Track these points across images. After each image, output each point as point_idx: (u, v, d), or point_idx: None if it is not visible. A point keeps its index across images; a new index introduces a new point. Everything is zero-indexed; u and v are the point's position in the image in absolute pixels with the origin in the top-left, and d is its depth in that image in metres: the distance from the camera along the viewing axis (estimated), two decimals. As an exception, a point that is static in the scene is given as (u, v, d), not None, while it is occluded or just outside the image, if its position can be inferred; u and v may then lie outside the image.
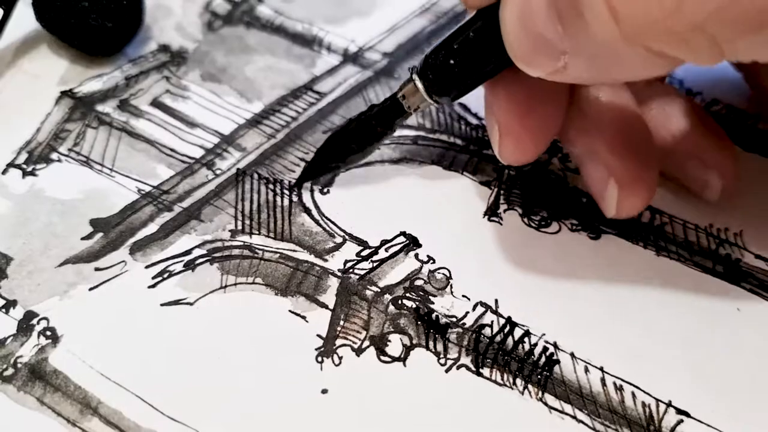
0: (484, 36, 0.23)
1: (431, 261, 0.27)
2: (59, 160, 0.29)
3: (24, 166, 0.29)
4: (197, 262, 0.26)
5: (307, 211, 0.28)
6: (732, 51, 0.19)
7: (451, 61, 0.23)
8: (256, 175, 0.29)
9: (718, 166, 0.28)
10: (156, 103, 0.31)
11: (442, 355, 0.24)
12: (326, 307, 0.25)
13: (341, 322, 0.25)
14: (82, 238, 0.26)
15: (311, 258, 0.26)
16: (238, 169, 0.29)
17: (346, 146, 0.28)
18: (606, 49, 0.20)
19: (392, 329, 0.25)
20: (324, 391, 0.23)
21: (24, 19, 0.32)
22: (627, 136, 0.26)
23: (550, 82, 0.22)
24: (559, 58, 0.21)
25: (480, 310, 0.25)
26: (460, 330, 0.25)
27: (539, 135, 0.26)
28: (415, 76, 0.25)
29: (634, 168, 0.26)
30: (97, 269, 0.26)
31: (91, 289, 0.25)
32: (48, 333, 0.24)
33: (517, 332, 0.25)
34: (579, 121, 0.26)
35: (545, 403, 0.23)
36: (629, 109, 0.27)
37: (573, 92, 0.26)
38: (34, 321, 0.24)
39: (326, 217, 0.28)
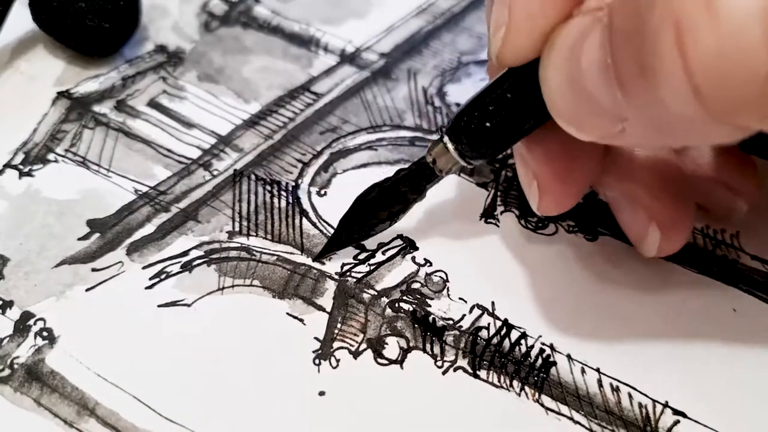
0: (523, 96, 0.22)
1: (428, 264, 0.27)
2: (56, 161, 0.29)
3: (21, 167, 0.29)
4: (194, 263, 0.26)
5: (305, 213, 0.28)
6: None
7: (487, 124, 0.22)
8: (253, 177, 0.29)
9: (745, 192, 0.27)
10: (153, 104, 0.31)
11: (439, 358, 0.24)
12: (323, 309, 0.25)
13: (338, 325, 0.25)
14: (79, 239, 0.26)
15: (308, 261, 0.26)
16: (235, 170, 0.29)
17: (372, 215, 0.26)
18: (682, 122, 0.18)
19: (389, 332, 0.25)
20: (321, 394, 0.23)
21: (21, 20, 0.32)
22: (663, 178, 0.25)
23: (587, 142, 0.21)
24: (617, 124, 0.19)
25: (477, 312, 0.25)
26: (457, 332, 0.25)
27: (578, 188, 0.25)
28: (446, 139, 0.23)
29: (674, 209, 0.25)
30: (93, 270, 0.26)
31: (88, 289, 0.25)
32: (45, 334, 0.24)
33: (514, 334, 0.25)
34: (615, 167, 0.26)
35: (542, 405, 0.23)
36: (664, 154, 0.26)
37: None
38: (31, 322, 0.24)
39: (324, 220, 0.28)
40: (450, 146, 0.23)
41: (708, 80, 0.17)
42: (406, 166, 0.25)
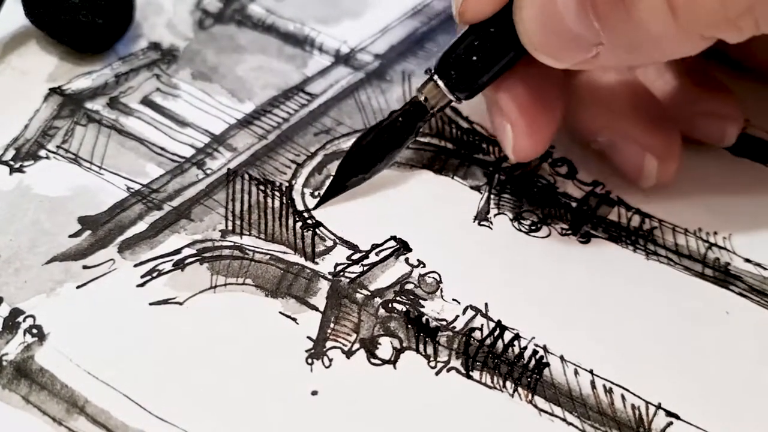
0: (503, 32, 0.24)
1: (421, 265, 0.27)
2: (47, 157, 0.29)
3: (11, 163, 0.28)
4: (187, 261, 0.26)
5: (298, 213, 0.28)
6: (766, 26, 0.21)
7: (474, 58, 0.25)
8: (247, 176, 0.29)
9: (730, 115, 0.29)
10: (146, 101, 0.31)
11: (432, 358, 0.24)
12: (316, 309, 0.25)
13: (331, 325, 0.25)
14: (70, 236, 0.26)
15: (302, 261, 0.26)
16: (228, 169, 0.29)
17: (370, 156, 0.27)
18: (654, 39, 0.22)
19: (382, 332, 0.25)
20: (314, 393, 0.23)
21: (13, 15, 0.32)
22: (650, 115, 0.28)
23: (551, 76, 0.25)
24: (591, 49, 0.22)
25: (470, 313, 0.25)
26: (450, 333, 0.25)
27: (548, 127, 0.27)
28: (435, 76, 0.26)
29: (663, 139, 0.28)
30: (85, 267, 0.25)
31: (78, 287, 0.25)
32: (34, 331, 0.24)
33: (507, 335, 0.25)
34: (604, 112, 0.28)
35: (535, 406, 0.23)
36: (640, 87, 0.29)
37: (572, 79, 0.28)
38: (20, 318, 0.24)
39: (317, 221, 0.27)
40: (440, 83, 0.26)
41: None
42: (398, 108, 0.27)
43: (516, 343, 0.25)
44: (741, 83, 0.32)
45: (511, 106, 0.26)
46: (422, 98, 0.26)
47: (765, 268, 0.27)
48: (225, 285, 0.25)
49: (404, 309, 0.25)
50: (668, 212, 0.29)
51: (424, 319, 0.25)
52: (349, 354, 0.24)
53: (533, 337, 0.25)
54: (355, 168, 0.28)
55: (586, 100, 0.29)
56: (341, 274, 0.26)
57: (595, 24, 0.22)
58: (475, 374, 0.24)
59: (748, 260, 0.27)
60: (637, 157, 0.28)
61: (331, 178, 0.28)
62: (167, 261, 0.26)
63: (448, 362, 0.24)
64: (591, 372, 0.24)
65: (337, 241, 0.27)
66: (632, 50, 0.22)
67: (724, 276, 0.27)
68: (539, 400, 0.23)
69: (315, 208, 0.28)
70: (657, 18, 0.21)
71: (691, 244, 0.28)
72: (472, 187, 0.29)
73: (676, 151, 0.28)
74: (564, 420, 0.23)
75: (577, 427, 0.23)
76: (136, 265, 0.26)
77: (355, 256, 0.26)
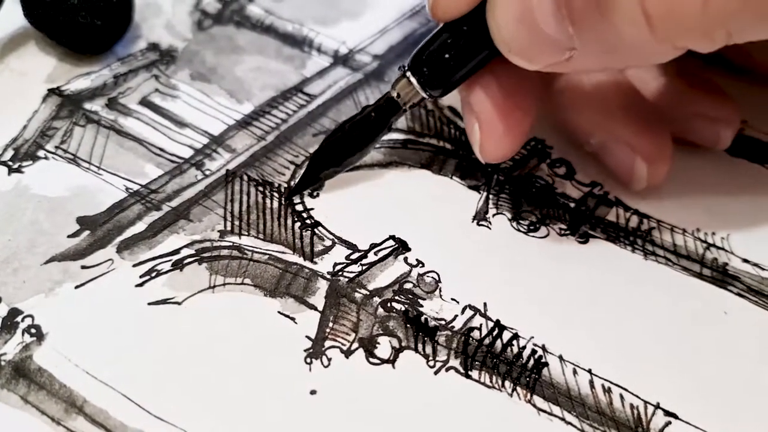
0: (476, 31, 0.24)
1: (420, 264, 0.27)
2: (46, 158, 0.29)
3: (10, 163, 0.28)
4: (185, 261, 0.26)
5: (297, 213, 0.28)
6: (739, 37, 0.21)
7: (446, 56, 0.25)
8: (245, 177, 0.29)
9: (724, 118, 0.29)
10: (145, 102, 0.31)
11: (431, 358, 0.24)
12: (315, 309, 0.25)
13: (330, 324, 0.25)
14: (69, 236, 0.26)
15: (300, 260, 0.26)
16: (227, 170, 0.29)
17: (342, 150, 0.28)
18: (628, 46, 0.22)
19: (381, 332, 0.25)
20: (313, 392, 0.23)
21: (12, 16, 0.32)
22: (640, 117, 0.28)
23: (525, 78, 0.25)
24: (564, 53, 0.22)
25: (469, 313, 0.25)
26: (449, 333, 0.25)
27: (518, 129, 0.27)
28: (408, 73, 0.26)
29: (653, 140, 0.28)
30: (83, 267, 0.25)
31: (77, 287, 0.25)
32: (33, 331, 0.24)
33: (506, 335, 0.25)
34: (593, 114, 0.29)
35: (534, 405, 0.23)
36: (632, 89, 0.29)
37: (547, 82, 0.29)
38: (19, 318, 0.24)
39: (316, 220, 0.27)
40: (413, 80, 0.26)
41: (658, 7, 0.20)
42: (371, 103, 0.27)
43: (515, 342, 0.25)
44: (738, 85, 0.32)
45: (481, 105, 0.26)
46: (395, 94, 0.26)
47: (763, 269, 0.27)
48: (224, 285, 0.25)
49: (403, 308, 0.25)
50: (666, 212, 0.29)
51: (422, 318, 0.25)
52: (347, 353, 0.24)
53: (532, 337, 0.25)
54: (328, 160, 0.28)
55: (578, 102, 0.29)
56: (340, 273, 0.26)
57: (570, 29, 0.22)
58: (474, 374, 0.24)
59: (746, 260, 0.28)
60: (628, 159, 0.28)
61: (304, 169, 0.28)
62: (166, 261, 0.26)
63: (446, 362, 0.24)
64: (590, 371, 0.24)
65: (336, 240, 0.27)
66: (605, 55, 0.23)
67: (722, 276, 0.27)
68: (538, 400, 0.23)
69: (288, 197, 0.28)
70: (632, 27, 0.21)
71: (689, 245, 0.28)
72: (470, 187, 0.29)
73: (667, 153, 0.28)
74: (563, 419, 0.23)
75: (575, 426, 0.23)
76: (134, 266, 0.26)
77: (354, 256, 0.26)
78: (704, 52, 0.22)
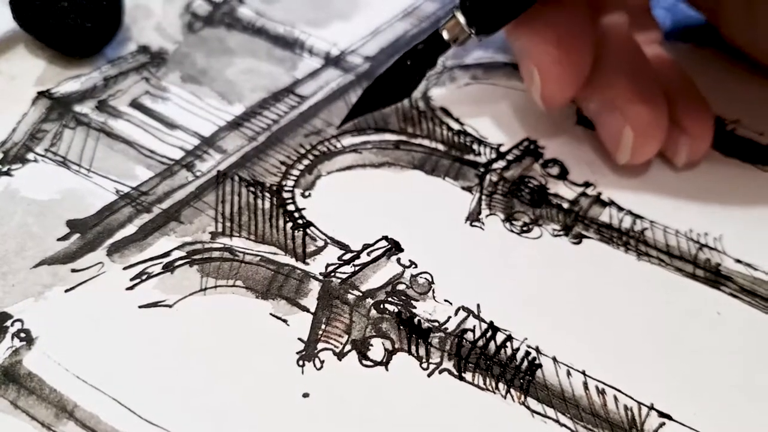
0: None
1: (413, 265, 0.26)
2: (35, 161, 0.29)
3: (-1, 166, 0.28)
4: (176, 264, 0.26)
5: (289, 214, 0.28)
6: None
7: None
8: (237, 178, 0.29)
9: (692, 132, 0.29)
10: (135, 104, 0.31)
11: (424, 360, 0.24)
12: (307, 310, 0.25)
13: (323, 326, 0.24)
14: (59, 239, 0.26)
15: (292, 261, 0.26)
16: (218, 171, 0.29)
17: (392, 85, 0.29)
18: None
19: (374, 333, 0.24)
20: (305, 395, 0.23)
21: (1, 19, 0.32)
22: (639, 86, 0.28)
23: (577, 20, 0.26)
24: None
25: (462, 314, 0.25)
26: (443, 334, 0.25)
27: (576, 71, 0.28)
28: (456, 11, 0.28)
29: (647, 114, 0.28)
30: (73, 270, 0.25)
31: (67, 290, 0.25)
32: (22, 335, 0.23)
33: (500, 337, 0.25)
34: (595, 77, 0.28)
35: (528, 407, 0.23)
36: (640, 56, 0.29)
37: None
38: (8, 323, 0.24)
39: (308, 221, 0.27)
40: (460, 17, 0.27)
41: None
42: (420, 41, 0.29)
43: (508, 344, 0.24)
44: (736, 75, 0.32)
45: (537, 50, 0.27)
46: (443, 32, 0.28)
47: (756, 269, 0.27)
48: (215, 287, 0.25)
49: (396, 310, 0.25)
50: (659, 213, 0.29)
51: (416, 320, 0.25)
52: (340, 355, 0.24)
53: (525, 338, 0.25)
54: (378, 94, 0.30)
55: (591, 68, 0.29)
56: (332, 274, 0.26)
57: None
58: (468, 375, 0.24)
59: (738, 261, 0.27)
60: (617, 126, 0.28)
61: (356, 100, 0.30)
62: (156, 264, 0.26)
63: (440, 363, 0.24)
64: (583, 373, 0.24)
65: (328, 241, 0.27)
66: None
67: (715, 277, 0.27)
68: (532, 402, 0.23)
69: (340, 126, 0.30)
70: None
71: (682, 245, 0.28)
72: (463, 188, 0.29)
73: (657, 131, 0.28)
74: (557, 421, 0.23)
75: (569, 428, 0.23)
76: (125, 268, 0.25)
77: (347, 257, 0.26)
78: None
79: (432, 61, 0.29)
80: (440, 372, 0.24)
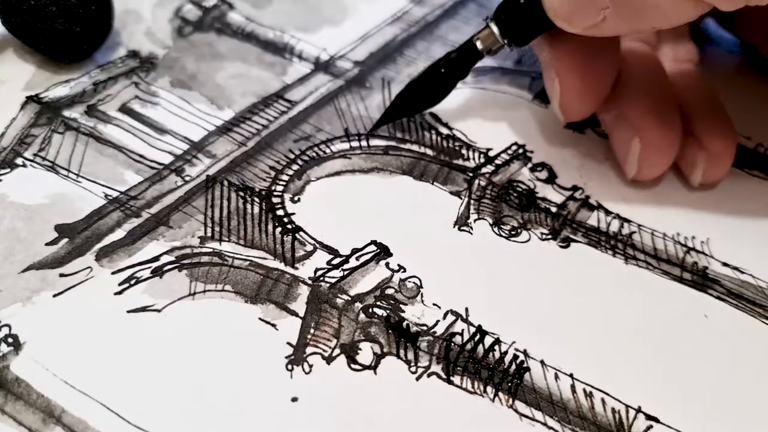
0: None
1: (402, 270, 0.26)
2: (24, 165, 0.28)
3: (-13, 171, 0.28)
4: (165, 268, 0.26)
5: (278, 218, 0.28)
6: None
7: (523, 8, 0.27)
8: (226, 183, 0.29)
9: (711, 148, 0.29)
10: (124, 109, 0.31)
11: (412, 364, 0.24)
12: (296, 315, 0.25)
13: (311, 330, 0.24)
14: (47, 244, 0.26)
15: (281, 266, 0.26)
16: (207, 176, 0.29)
17: (424, 90, 0.30)
18: (655, 5, 0.23)
19: (363, 337, 0.25)
20: (294, 399, 0.23)
21: (-11, 23, 0.32)
22: (653, 101, 0.29)
23: (604, 41, 0.27)
24: (599, 13, 0.24)
25: (450, 318, 0.25)
26: (431, 338, 0.25)
27: (598, 86, 0.28)
28: (491, 23, 0.28)
29: (656, 126, 0.28)
30: (62, 275, 0.25)
31: (55, 295, 0.25)
32: (10, 340, 0.23)
33: (488, 340, 0.25)
34: (614, 92, 0.29)
35: (516, 411, 0.23)
36: (659, 79, 0.30)
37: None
38: (-4, 328, 0.24)
39: (297, 225, 0.27)
40: (494, 28, 0.28)
41: None
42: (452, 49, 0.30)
43: (496, 347, 0.25)
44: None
45: (561, 61, 0.28)
46: (477, 42, 0.29)
47: (743, 272, 0.27)
48: (204, 292, 0.25)
49: (385, 314, 0.25)
50: (647, 217, 0.29)
51: (404, 324, 0.25)
52: (329, 360, 0.24)
53: (513, 342, 0.25)
54: (410, 100, 0.30)
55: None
56: (321, 279, 0.26)
57: None
58: (456, 379, 0.24)
59: (725, 264, 0.28)
60: (627, 137, 0.29)
61: (388, 105, 0.31)
62: (145, 268, 0.26)
63: (428, 367, 0.24)
64: (571, 376, 0.24)
65: (317, 245, 0.27)
66: (635, 14, 0.24)
67: (702, 280, 0.27)
68: (520, 405, 0.23)
69: (371, 131, 0.31)
70: None
71: (669, 249, 0.28)
72: (452, 193, 0.29)
73: (667, 148, 0.28)
74: (545, 424, 0.23)
75: (557, 431, 0.23)
76: (113, 273, 0.25)
77: (336, 261, 0.26)
78: (726, 10, 0.23)
79: (465, 71, 0.30)
80: (429, 376, 0.24)
